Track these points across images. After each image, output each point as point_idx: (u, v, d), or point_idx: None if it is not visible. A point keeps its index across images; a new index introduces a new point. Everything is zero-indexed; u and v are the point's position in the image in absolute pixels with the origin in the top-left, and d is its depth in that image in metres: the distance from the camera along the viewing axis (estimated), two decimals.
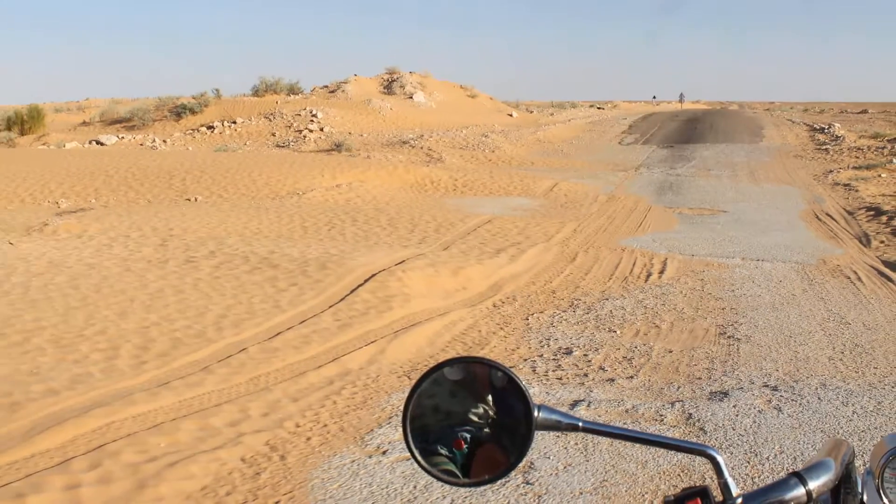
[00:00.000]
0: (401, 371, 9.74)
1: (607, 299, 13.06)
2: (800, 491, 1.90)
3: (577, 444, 7.57)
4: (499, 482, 6.61)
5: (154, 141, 43.11)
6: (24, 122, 48.04)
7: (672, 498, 1.90)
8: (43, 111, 50.61)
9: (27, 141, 45.67)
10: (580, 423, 2.00)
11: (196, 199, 22.76)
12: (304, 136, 43.75)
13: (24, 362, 9.16)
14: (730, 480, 1.91)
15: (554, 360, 10.17)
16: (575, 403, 8.68)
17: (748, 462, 7.25)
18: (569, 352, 10.46)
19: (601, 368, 9.82)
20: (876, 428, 7.97)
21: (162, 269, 13.56)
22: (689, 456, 7.06)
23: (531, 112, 78.36)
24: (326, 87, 64.30)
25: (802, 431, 7.90)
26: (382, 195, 24.04)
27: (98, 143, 42.10)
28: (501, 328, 11.57)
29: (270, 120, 48.12)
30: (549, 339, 11.02)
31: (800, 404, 8.60)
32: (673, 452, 5.33)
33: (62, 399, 8.20)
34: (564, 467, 7.16)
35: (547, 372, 9.72)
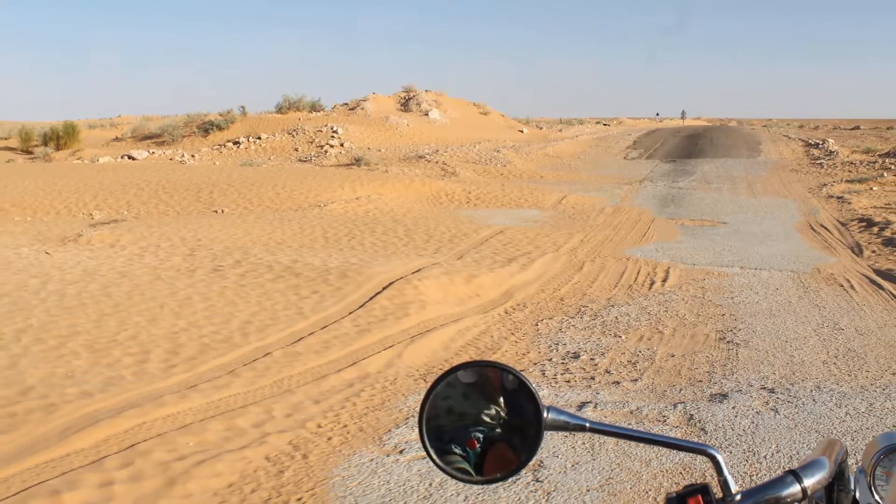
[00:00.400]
0: (417, 374, 9.74)
1: (613, 306, 13.05)
2: (795, 488, 1.90)
3: (584, 443, 7.57)
4: (510, 480, 6.62)
5: (183, 156, 43.20)
6: (60, 138, 48.22)
7: (674, 495, 1.90)
8: (77, 127, 50.77)
9: (62, 156, 45.83)
10: (587, 424, 2.01)
11: (223, 211, 22.80)
12: (326, 151, 43.77)
13: (60, 366, 9.19)
14: (729, 478, 1.91)
15: (562, 363, 10.17)
16: (582, 405, 8.67)
17: (747, 461, 7.24)
18: (576, 356, 10.46)
19: (607, 372, 9.82)
20: (868, 428, 7.95)
21: (190, 278, 13.59)
22: (691, 455, 7.06)
23: (540, 128, 78.37)
24: (346, 104, 64.31)
25: (798, 431, 7.89)
26: (399, 207, 24.06)
27: (130, 157, 42.21)
28: (512, 333, 11.56)
29: (293, 136, 48.15)
30: (557, 344, 11.02)
31: (795, 406, 8.58)
32: (675, 451, 5.33)
33: (96, 401, 8.22)
34: (572, 466, 7.16)
35: (556, 375, 9.72)
